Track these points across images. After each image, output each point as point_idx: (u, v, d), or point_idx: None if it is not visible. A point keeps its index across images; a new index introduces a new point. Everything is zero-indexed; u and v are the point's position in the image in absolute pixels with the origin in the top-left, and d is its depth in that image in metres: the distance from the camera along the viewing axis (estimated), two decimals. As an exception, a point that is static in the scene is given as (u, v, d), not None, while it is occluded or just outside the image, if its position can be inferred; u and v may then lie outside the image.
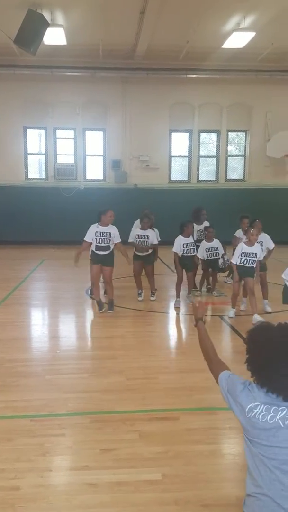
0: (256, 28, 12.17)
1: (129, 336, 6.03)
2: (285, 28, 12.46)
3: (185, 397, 4.13)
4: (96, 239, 6.98)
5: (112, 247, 7.09)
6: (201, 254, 8.12)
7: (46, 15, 11.06)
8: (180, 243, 7.62)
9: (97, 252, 7.03)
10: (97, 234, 6.98)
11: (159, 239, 8.26)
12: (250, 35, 12.40)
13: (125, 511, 2.64)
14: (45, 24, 10.91)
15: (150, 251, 7.82)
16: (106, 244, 7.01)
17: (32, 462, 3.11)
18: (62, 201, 15.11)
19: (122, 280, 9.39)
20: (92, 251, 7.07)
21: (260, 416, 2.04)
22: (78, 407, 3.93)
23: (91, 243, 7.03)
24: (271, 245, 7.37)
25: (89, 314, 7.26)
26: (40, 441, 3.36)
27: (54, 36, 11.99)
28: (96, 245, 7.00)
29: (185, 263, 7.71)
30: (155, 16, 11.40)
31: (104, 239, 7.00)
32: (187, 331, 6.60)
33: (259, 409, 2.05)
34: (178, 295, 7.68)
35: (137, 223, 8.43)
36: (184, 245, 7.64)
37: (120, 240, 7.13)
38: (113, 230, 7.08)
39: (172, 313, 7.39)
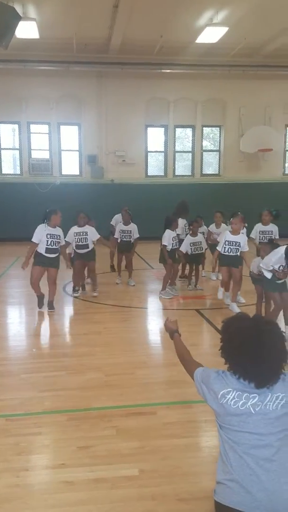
0: (229, 23, 12.24)
1: (106, 332, 6.01)
2: (257, 23, 12.56)
3: (162, 391, 4.15)
4: (47, 241, 6.71)
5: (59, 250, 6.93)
6: (185, 248, 8.14)
7: (18, 9, 10.84)
8: (170, 236, 7.72)
9: (46, 254, 6.73)
10: (48, 236, 6.71)
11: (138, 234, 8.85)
12: (223, 30, 12.47)
13: (102, 508, 2.63)
14: (17, 18, 10.68)
15: (90, 248, 7.72)
16: (55, 247, 6.80)
17: (8, 462, 3.07)
18: (38, 197, 14.93)
19: (99, 276, 9.37)
20: (39, 252, 6.77)
21: (232, 402, 2.10)
22: (55, 405, 3.90)
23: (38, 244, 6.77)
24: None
25: (67, 312, 7.21)
26: (16, 441, 3.32)
27: (27, 30, 11.81)
28: (46, 248, 6.71)
29: (173, 256, 7.87)
30: (129, 10, 11.34)
31: (54, 241, 6.78)
32: (162, 325, 6.63)
33: (231, 395, 2.12)
34: (164, 288, 7.87)
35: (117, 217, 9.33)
36: (173, 239, 7.81)
37: (64, 243, 7.06)
38: (61, 232, 6.93)
39: (150, 308, 7.42)
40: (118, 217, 9.68)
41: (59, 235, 6.84)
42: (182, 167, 17.25)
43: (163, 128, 16.69)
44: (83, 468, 2.99)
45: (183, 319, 7.02)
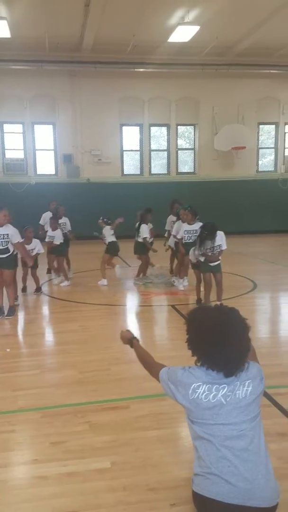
0: (200, 22, 12.38)
1: (82, 330, 6.02)
2: (228, 22, 12.75)
3: (136, 386, 4.19)
4: None
5: (11, 249, 6.56)
6: (180, 234, 7.81)
7: (-12, 7, 10.77)
8: (149, 229, 8.40)
9: None
10: None
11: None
12: (195, 29, 12.61)
13: (74, 500, 2.67)
14: (-14, 16, 10.62)
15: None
16: (4, 247, 6.50)
17: (-20, 460, 3.08)
18: (13, 197, 14.80)
19: (76, 275, 9.39)
20: None
21: (203, 396, 2.14)
22: (29, 403, 3.91)
23: None
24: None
25: (42, 311, 7.20)
26: (-11, 439, 3.33)
27: (-3, 29, 11.70)
28: None
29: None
30: (100, 8, 11.38)
31: (1, 241, 6.45)
32: (140, 322, 6.69)
33: (201, 389, 2.15)
34: (139, 275, 8.66)
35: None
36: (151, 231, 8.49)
37: (18, 240, 6.59)
38: (10, 230, 6.50)
39: (127, 305, 7.49)
40: (46, 216, 9.67)
41: (6, 234, 6.44)
42: (158, 165, 17.36)
43: (138, 127, 16.76)
44: (56, 463, 3.02)
45: (159, 315, 7.12)
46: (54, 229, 8.70)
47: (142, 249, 8.66)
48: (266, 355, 4.33)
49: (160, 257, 9.28)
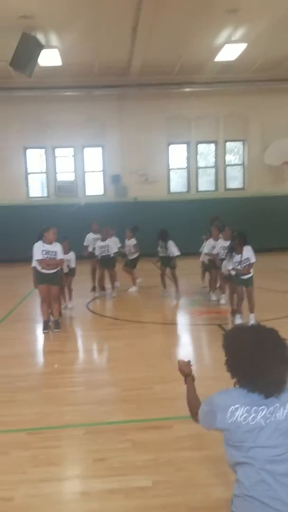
0: (247, 39, 12.37)
1: (126, 347, 6.08)
2: (276, 39, 12.66)
3: (179, 406, 4.13)
4: (44, 257, 6.77)
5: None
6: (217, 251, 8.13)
7: (40, 38, 11.35)
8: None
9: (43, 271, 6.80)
10: (44, 252, 6.79)
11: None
12: (242, 46, 12.60)
13: (115, 517, 2.69)
14: (39, 47, 11.19)
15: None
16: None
17: (26, 473, 3.17)
18: (64, 218, 15.27)
19: (122, 293, 9.50)
20: (38, 271, 6.84)
21: (242, 418, 2.08)
22: (74, 419, 3.99)
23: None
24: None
25: (87, 327, 7.34)
26: (35, 453, 3.43)
27: (49, 58, 12.28)
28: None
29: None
30: (147, 32, 11.64)
31: (50, 258, 6.83)
32: (184, 340, 6.67)
33: (240, 412, 2.10)
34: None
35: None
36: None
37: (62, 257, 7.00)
38: (58, 248, 6.92)
39: (171, 324, 7.47)
40: (89, 236, 10.04)
41: (55, 251, 6.83)
42: (206, 182, 17.34)
43: (185, 145, 16.89)
44: (98, 480, 3.06)
45: (205, 334, 7.06)
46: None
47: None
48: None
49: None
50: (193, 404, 2.49)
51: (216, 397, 2.21)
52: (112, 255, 9.28)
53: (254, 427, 2.07)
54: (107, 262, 9.29)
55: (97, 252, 9.28)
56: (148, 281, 10.42)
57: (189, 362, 2.75)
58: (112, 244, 9.34)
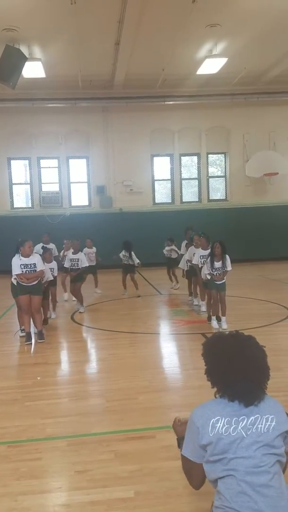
0: (228, 54, 12.62)
1: (111, 358, 6.06)
2: (256, 52, 12.95)
3: (162, 415, 4.16)
4: (23, 271, 6.72)
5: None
6: (196, 261, 8.33)
7: (24, 50, 11.42)
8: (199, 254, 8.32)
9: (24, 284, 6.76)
10: (22, 266, 6.72)
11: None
12: (223, 61, 12.84)
13: (97, 530, 2.66)
14: (23, 59, 11.26)
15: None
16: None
17: (6, 487, 3.12)
18: (49, 229, 15.19)
19: (107, 303, 9.48)
20: (18, 282, 6.81)
21: (223, 430, 2.07)
22: (56, 431, 3.95)
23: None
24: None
25: (71, 339, 7.30)
26: (16, 466, 3.38)
27: (33, 70, 12.35)
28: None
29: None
30: (130, 46, 11.81)
31: (29, 271, 6.78)
32: (168, 350, 6.67)
33: (220, 423, 2.08)
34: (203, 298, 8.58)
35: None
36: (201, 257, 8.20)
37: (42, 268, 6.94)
38: (36, 259, 6.85)
39: (157, 333, 7.48)
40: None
41: (33, 263, 6.75)
42: (190, 193, 17.51)
43: (168, 157, 17.05)
44: (79, 491, 3.03)
45: (188, 343, 7.07)
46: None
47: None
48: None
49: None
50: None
51: (196, 412, 2.18)
52: (81, 268, 8.98)
53: (236, 438, 2.06)
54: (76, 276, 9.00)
55: (66, 265, 9.09)
56: (133, 291, 10.45)
57: (185, 422, 2.39)
58: (82, 257, 9.07)
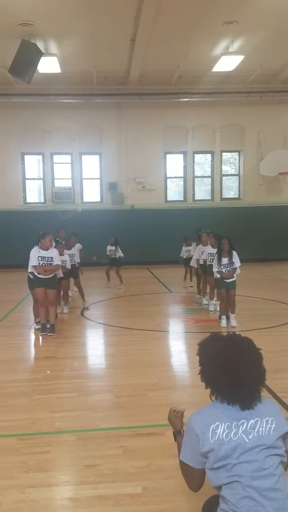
0: (244, 51, 12.53)
1: (120, 354, 6.06)
2: (273, 50, 12.84)
3: (171, 412, 4.15)
4: (40, 263, 6.87)
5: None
6: (204, 257, 8.67)
7: (40, 45, 11.45)
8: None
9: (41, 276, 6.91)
10: (40, 258, 6.88)
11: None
12: (239, 58, 12.76)
13: (104, 524, 2.67)
14: (39, 54, 11.29)
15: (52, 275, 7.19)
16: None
17: (15, 479, 3.14)
18: (60, 224, 15.26)
19: (118, 300, 9.49)
20: (34, 275, 6.97)
21: (224, 435, 2.04)
22: (65, 425, 3.96)
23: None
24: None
25: (81, 334, 7.32)
26: (25, 459, 3.39)
27: (49, 65, 12.39)
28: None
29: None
30: (146, 42, 11.78)
31: (46, 263, 6.92)
32: (177, 348, 6.66)
33: (220, 429, 2.05)
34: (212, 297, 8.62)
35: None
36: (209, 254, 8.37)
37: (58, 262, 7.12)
38: (54, 253, 7.00)
39: (166, 331, 7.47)
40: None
41: (51, 257, 6.92)
42: (202, 191, 17.44)
43: (182, 155, 16.99)
44: (87, 486, 3.04)
45: (197, 342, 7.04)
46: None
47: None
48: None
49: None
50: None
51: (194, 419, 2.13)
52: (77, 264, 9.12)
53: (238, 443, 2.02)
54: (72, 271, 8.87)
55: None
56: (143, 288, 10.46)
57: (181, 414, 2.47)
58: (77, 253, 9.25)
